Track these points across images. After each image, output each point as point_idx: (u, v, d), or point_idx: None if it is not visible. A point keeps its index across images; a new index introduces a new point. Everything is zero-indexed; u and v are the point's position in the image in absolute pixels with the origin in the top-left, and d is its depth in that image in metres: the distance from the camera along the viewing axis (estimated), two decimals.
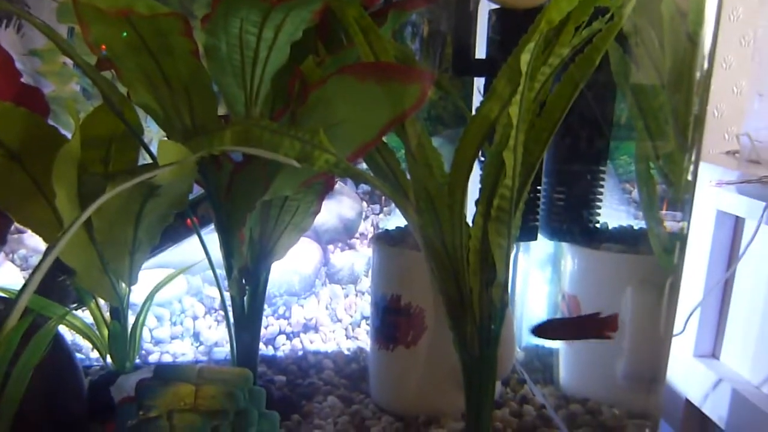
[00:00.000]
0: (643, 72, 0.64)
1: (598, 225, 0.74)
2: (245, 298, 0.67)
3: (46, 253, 0.65)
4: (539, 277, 0.85)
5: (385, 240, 0.72)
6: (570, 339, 0.72)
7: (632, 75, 0.65)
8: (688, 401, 0.83)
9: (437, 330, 0.67)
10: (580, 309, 0.72)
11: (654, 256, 0.68)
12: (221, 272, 0.67)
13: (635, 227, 0.79)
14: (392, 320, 0.69)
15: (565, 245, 0.74)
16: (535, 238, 0.73)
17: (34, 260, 0.83)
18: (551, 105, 0.57)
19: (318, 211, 0.67)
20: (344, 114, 0.57)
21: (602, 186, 0.72)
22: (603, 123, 0.70)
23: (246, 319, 0.67)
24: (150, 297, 0.71)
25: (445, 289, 0.59)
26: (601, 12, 0.57)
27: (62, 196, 0.56)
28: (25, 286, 0.49)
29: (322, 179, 0.63)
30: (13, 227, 0.82)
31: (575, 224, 0.72)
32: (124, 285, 0.67)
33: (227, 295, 0.67)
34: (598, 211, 0.73)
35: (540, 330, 0.66)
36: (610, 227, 0.77)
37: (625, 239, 0.73)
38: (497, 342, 0.59)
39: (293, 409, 0.69)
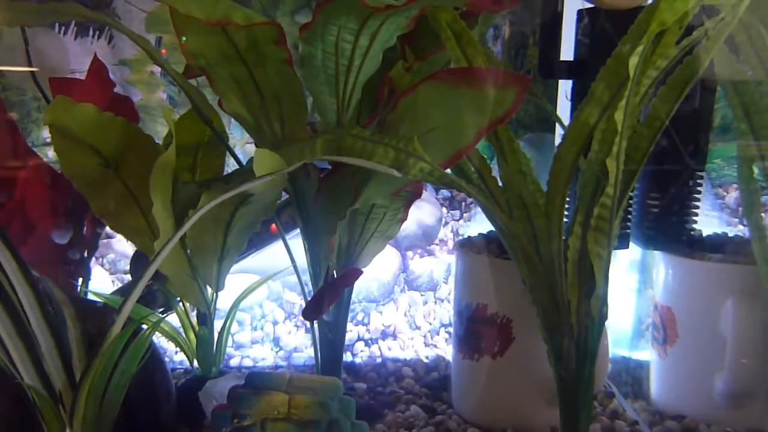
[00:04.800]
0: (751, 70, 0.60)
1: (694, 233, 0.70)
2: (331, 305, 0.66)
3: (138, 260, 0.66)
4: (624, 285, 0.82)
5: (469, 247, 0.70)
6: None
7: (738, 73, 0.61)
8: None
9: (525, 341, 0.65)
10: (675, 321, 0.69)
11: (756, 267, 0.64)
12: (304, 278, 0.68)
13: (730, 234, 0.75)
14: (478, 330, 0.67)
15: (658, 254, 0.71)
16: (627, 246, 0.70)
17: (123, 264, 0.85)
18: (655, 110, 0.54)
19: (404, 219, 0.66)
20: (436, 121, 0.56)
21: (700, 191, 0.69)
22: (702, 123, 0.67)
23: (331, 326, 0.67)
24: (236, 303, 0.72)
25: (540, 300, 0.57)
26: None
27: (158, 205, 0.56)
28: (128, 295, 0.50)
29: (411, 187, 0.62)
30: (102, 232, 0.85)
31: (671, 232, 0.69)
32: (211, 290, 0.68)
33: None
34: (695, 218, 0.70)
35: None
36: (704, 234, 0.73)
37: (723, 247, 0.70)
38: (595, 356, 0.56)
39: (376, 418, 0.69)
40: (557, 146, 0.56)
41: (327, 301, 0.62)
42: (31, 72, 0.73)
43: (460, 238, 0.83)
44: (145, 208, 0.63)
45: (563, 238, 0.56)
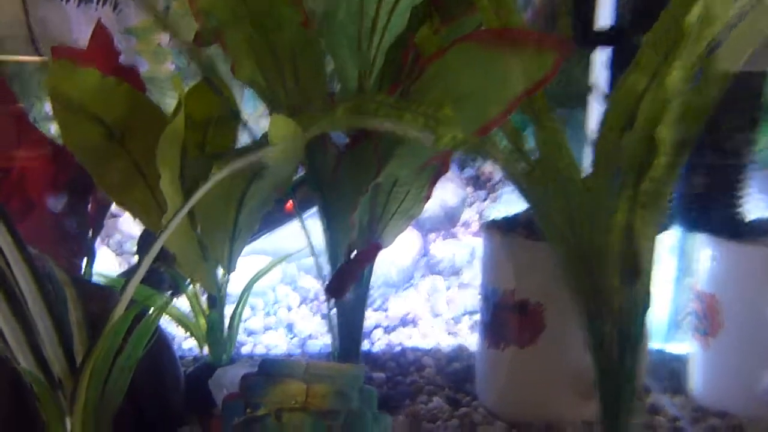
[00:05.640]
0: None
1: (741, 215, 0.65)
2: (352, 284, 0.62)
3: (146, 240, 0.62)
4: (660, 271, 0.77)
5: (496, 229, 0.66)
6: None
7: None
8: None
9: (556, 328, 0.61)
10: (720, 310, 0.64)
11: None
12: (321, 260, 0.64)
13: None
14: (505, 317, 0.63)
15: (702, 237, 0.66)
16: (668, 228, 0.65)
17: (129, 246, 0.81)
18: (712, 75, 0.49)
19: (429, 196, 0.62)
20: (467, 87, 0.52)
21: (749, 172, 0.64)
22: (752, 100, 0.61)
23: (350, 311, 0.63)
24: (249, 286, 0.68)
25: (578, 284, 0.53)
26: None
27: (166, 178, 0.52)
28: (131, 274, 0.46)
29: (440, 159, 0.57)
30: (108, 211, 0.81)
31: (717, 214, 0.64)
32: (222, 272, 0.64)
33: None
34: (743, 200, 0.65)
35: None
36: (751, 218, 0.68)
37: None
38: (638, 345, 0.52)
39: (397, 409, 0.64)
40: (602, 114, 0.51)
41: (348, 279, 0.57)
42: (32, 39, 0.69)
43: (486, 219, 0.79)
44: (153, 183, 0.59)
45: (608, 215, 0.51)
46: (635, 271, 0.50)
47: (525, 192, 0.56)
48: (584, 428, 0.61)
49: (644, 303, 0.51)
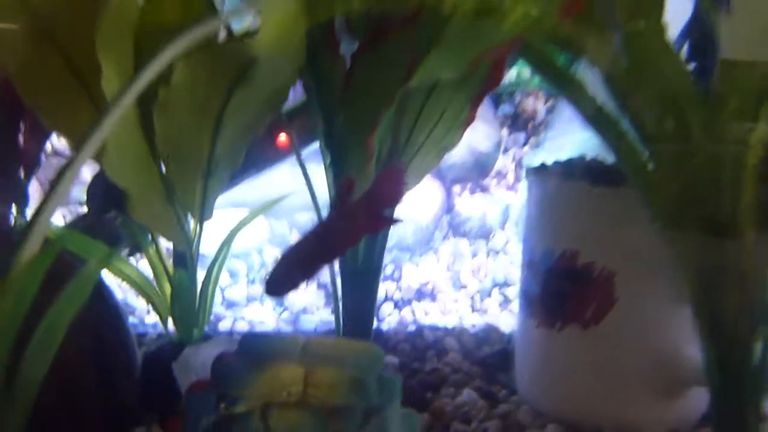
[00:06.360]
0: None
1: None
2: (361, 245, 0.49)
3: (98, 185, 0.50)
4: None
5: (551, 174, 0.52)
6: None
7: None
8: None
9: (633, 303, 0.48)
10: None
11: None
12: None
13: None
14: (562, 287, 0.51)
15: None
16: None
17: (78, 193, 0.69)
18: None
19: (470, 121, 0.49)
20: None
21: None
22: None
23: (360, 276, 0.51)
24: (227, 242, 0.55)
25: (685, 243, 0.39)
26: None
27: (111, 74, 0.39)
28: (49, 194, 0.32)
29: (498, 54, 0.42)
30: (50, 148, 0.67)
31: None
32: (193, 221, 0.51)
33: None
34: None
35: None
36: None
37: None
38: None
39: (419, 404, 0.51)
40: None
41: (351, 234, 0.41)
42: None
43: (530, 166, 0.67)
44: (101, 98, 0.44)
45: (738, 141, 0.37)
46: None
47: (602, 120, 0.42)
48: None
49: None
